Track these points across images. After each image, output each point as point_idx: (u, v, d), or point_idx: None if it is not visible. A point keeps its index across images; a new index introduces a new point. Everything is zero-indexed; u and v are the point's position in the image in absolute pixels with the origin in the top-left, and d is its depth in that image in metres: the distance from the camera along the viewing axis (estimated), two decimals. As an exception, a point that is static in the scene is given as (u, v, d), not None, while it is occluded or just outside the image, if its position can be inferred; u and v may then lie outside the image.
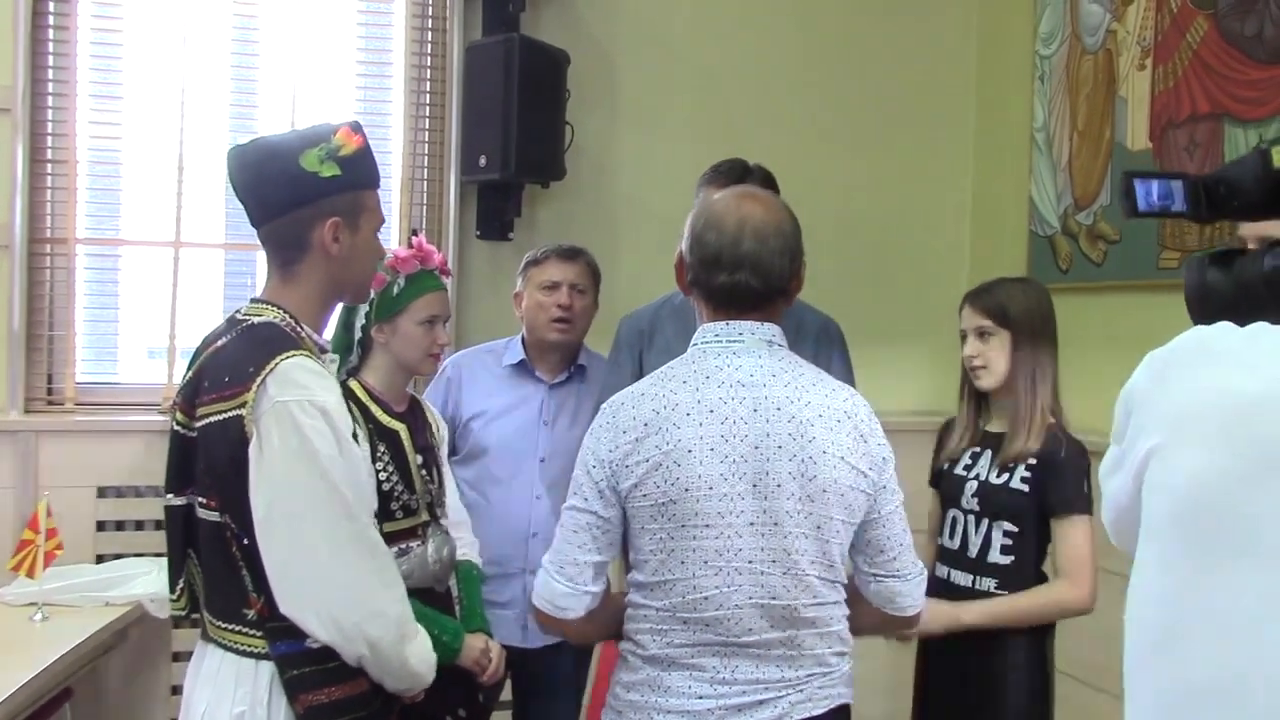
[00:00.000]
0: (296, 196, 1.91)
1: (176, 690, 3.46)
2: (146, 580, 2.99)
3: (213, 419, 1.85)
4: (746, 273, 1.92)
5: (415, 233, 2.60)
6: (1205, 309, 1.44)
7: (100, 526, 3.57)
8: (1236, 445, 1.29)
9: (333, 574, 1.82)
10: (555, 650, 2.88)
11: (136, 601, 2.93)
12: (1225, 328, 1.38)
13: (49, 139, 3.66)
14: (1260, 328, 1.34)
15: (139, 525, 3.60)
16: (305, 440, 1.80)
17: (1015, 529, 2.46)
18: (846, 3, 4.30)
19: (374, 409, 2.43)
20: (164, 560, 3.08)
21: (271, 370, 1.81)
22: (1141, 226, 3.45)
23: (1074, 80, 3.81)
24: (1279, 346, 1.31)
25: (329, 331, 2.14)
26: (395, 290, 2.44)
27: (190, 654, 3.54)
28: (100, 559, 3.44)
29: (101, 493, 3.58)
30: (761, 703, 1.90)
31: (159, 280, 3.78)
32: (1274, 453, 1.26)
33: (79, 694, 2.84)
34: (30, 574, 2.77)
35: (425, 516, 2.44)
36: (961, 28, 4.41)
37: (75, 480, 3.54)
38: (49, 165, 3.66)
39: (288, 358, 1.83)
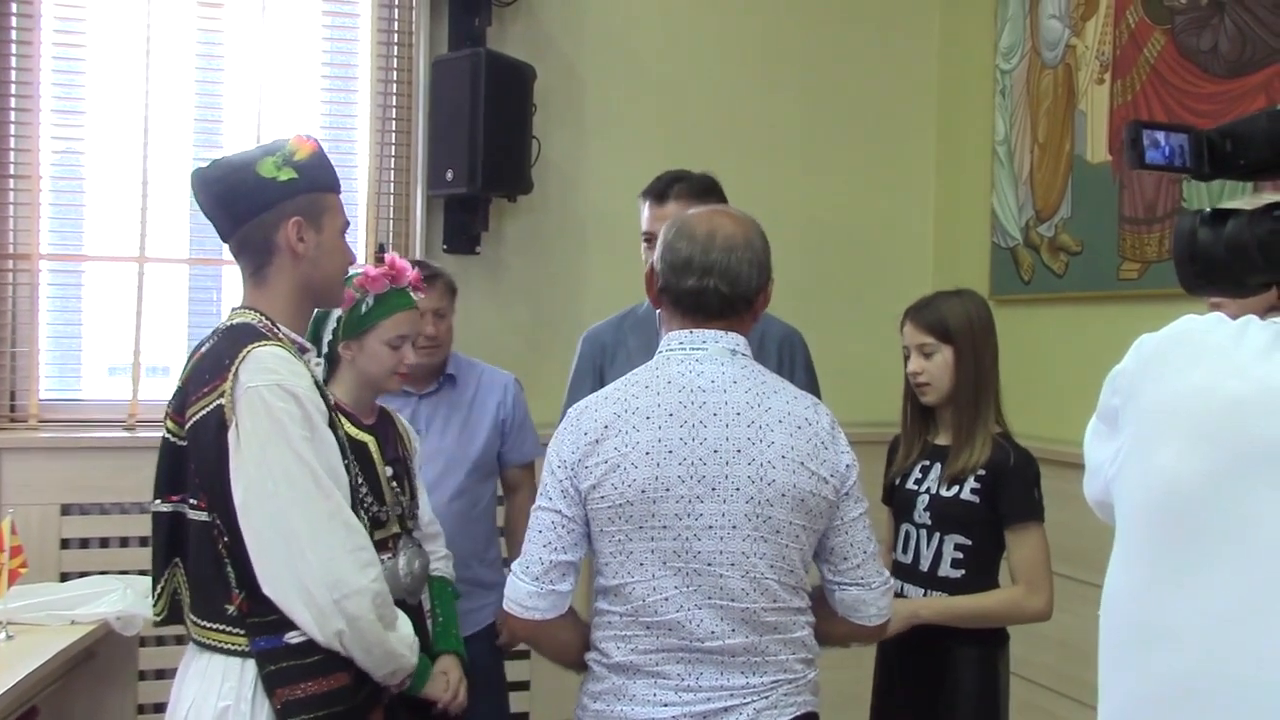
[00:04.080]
0: (258, 203, 2.00)
1: (143, 709, 3.46)
2: (112, 598, 2.97)
3: (198, 416, 1.92)
4: (715, 278, 1.96)
5: (382, 248, 2.61)
6: (1194, 268, 1.41)
7: (65, 544, 3.54)
8: (1216, 446, 1.28)
9: (309, 551, 1.86)
10: (469, 643, 2.82)
11: (103, 620, 2.91)
12: (1216, 321, 1.36)
13: (11, 154, 3.63)
14: (1248, 323, 1.32)
15: (104, 543, 3.57)
16: (276, 422, 1.87)
17: (967, 541, 2.47)
18: (809, 17, 4.34)
19: (341, 422, 2.42)
20: (130, 578, 3.12)
21: (243, 359, 1.89)
22: (1101, 238, 3.50)
23: (1034, 94, 3.86)
24: (1266, 346, 1.29)
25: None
26: (364, 309, 2.44)
27: (156, 672, 3.55)
28: (65, 577, 3.41)
29: (66, 510, 3.55)
30: (727, 709, 1.91)
31: (123, 296, 3.76)
32: (1252, 455, 1.25)
33: (45, 713, 2.82)
34: (-6, 593, 2.74)
35: (396, 529, 2.43)
36: (923, 42, 4.46)
37: (39, 498, 3.51)
38: (11, 180, 3.64)
39: (259, 346, 1.91)
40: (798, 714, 1.96)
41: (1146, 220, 3.34)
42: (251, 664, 1.90)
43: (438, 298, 2.97)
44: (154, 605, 2.05)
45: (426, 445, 2.96)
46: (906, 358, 2.59)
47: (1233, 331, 1.33)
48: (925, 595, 2.50)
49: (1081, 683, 3.16)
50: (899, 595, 2.54)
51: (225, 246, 2.10)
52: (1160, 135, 1.40)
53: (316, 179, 2.06)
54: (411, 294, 2.51)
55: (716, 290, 1.96)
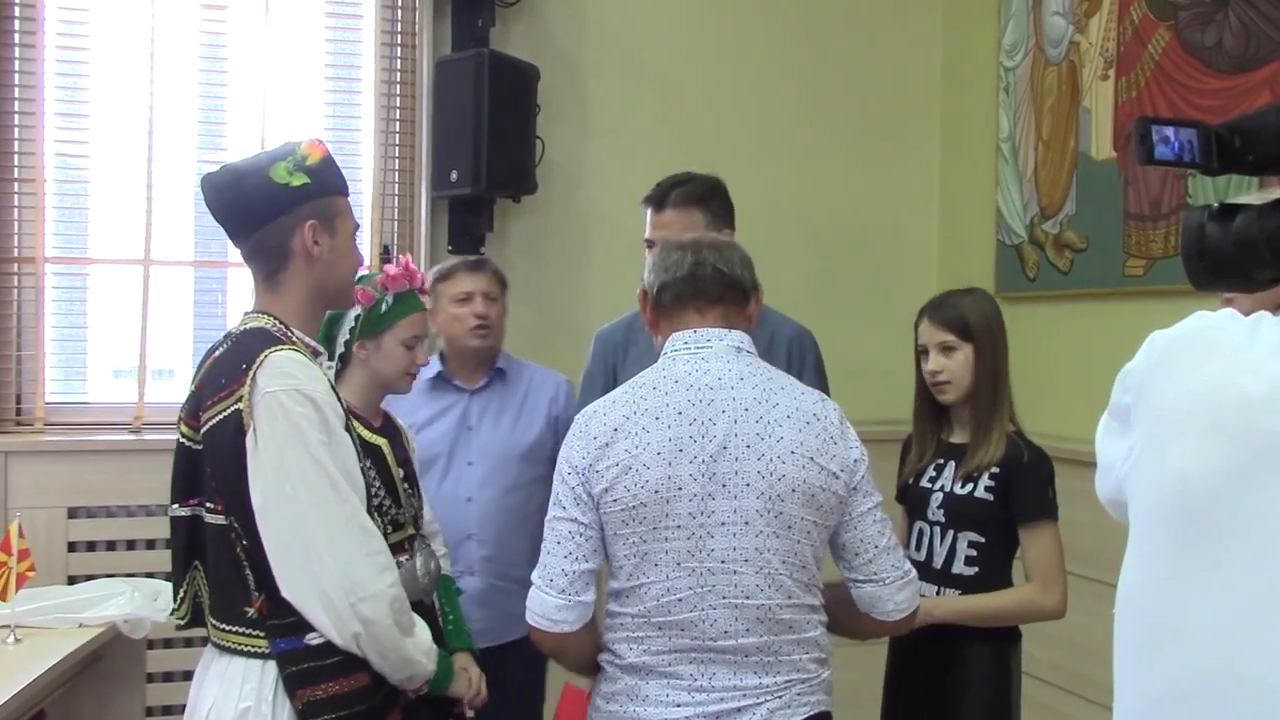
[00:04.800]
0: (273, 208, 2.01)
1: (151, 712, 3.45)
2: (120, 601, 2.96)
3: (214, 420, 1.92)
4: (711, 263, 2.03)
5: (386, 249, 2.63)
6: (1203, 264, 1.41)
7: (72, 547, 3.55)
8: (1231, 443, 1.27)
9: (326, 555, 1.87)
10: (505, 650, 2.85)
11: (110, 623, 2.91)
12: (1228, 317, 1.36)
13: (15, 157, 3.63)
14: (1261, 319, 1.32)
15: (110, 546, 3.58)
16: (295, 427, 1.87)
17: (981, 539, 2.47)
18: (812, 16, 4.33)
19: (354, 424, 2.43)
20: (137, 581, 3.12)
21: (261, 364, 1.89)
22: (1106, 235, 3.49)
23: (1038, 91, 3.85)
24: (1279, 343, 1.29)
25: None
26: (383, 308, 2.47)
27: (164, 675, 3.55)
28: (72, 580, 3.42)
29: (72, 513, 3.55)
30: (740, 709, 1.92)
31: (128, 298, 3.76)
32: (1266, 452, 1.24)
33: (53, 716, 2.81)
34: (2, 596, 2.74)
35: (411, 530, 2.44)
36: (926, 40, 4.45)
37: (46, 501, 3.51)
38: (16, 184, 3.64)
39: (276, 351, 1.91)
40: (811, 713, 1.96)
41: (1152, 216, 3.33)
42: (272, 665, 1.91)
43: (487, 281, 3.04)
44: (177, 609, 2.05)
45: (477, 441, 3.00)
46: (921, 356, 2.59)
47: (1245, 328, 1.32)
48: (938, 593, 2.49)
49: (1091, 681, 3.15)
50: None
51: (230, 249, 2.11)
52: (1169, 131, 1.40)
53: (328, 183, 2.07)
54: (420, 298, 2.53)
55: (714, 268, 2.02)
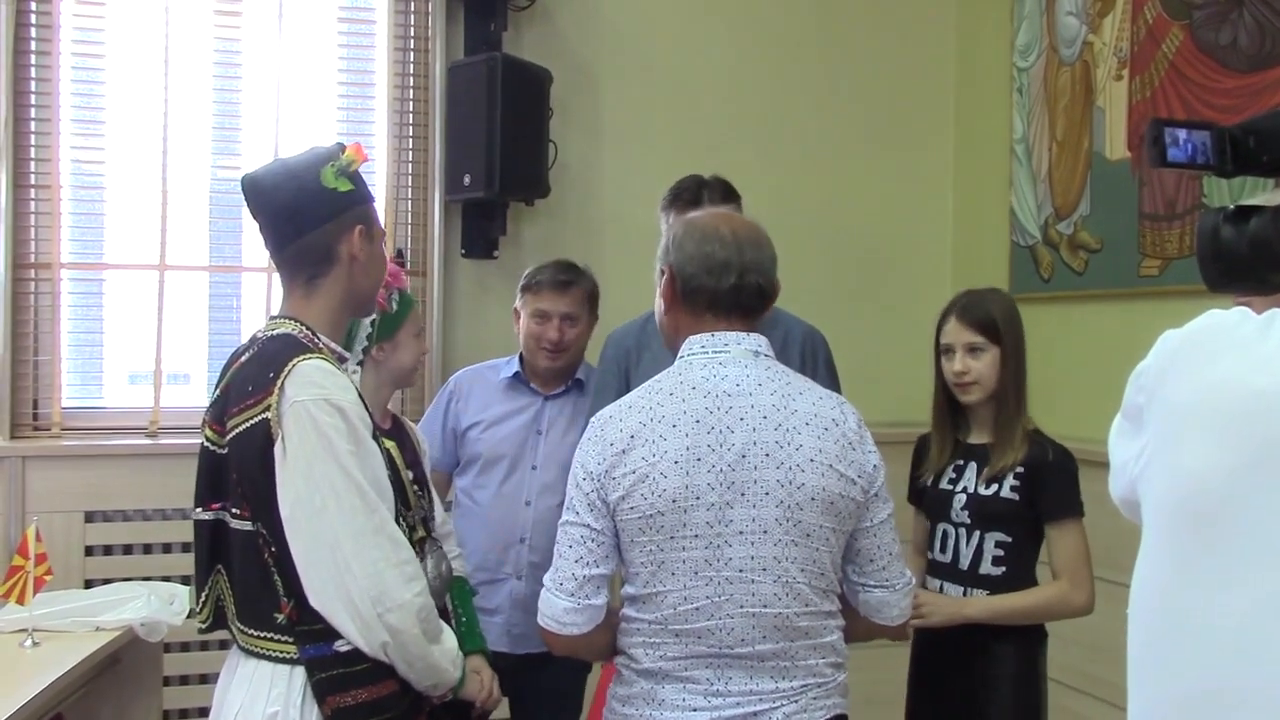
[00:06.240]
0: (326, 212, 1.99)
1: (168, 715, 3.47)
2: (137, 605, 2.98)
3: (241, 428, 1.91)
4: (755, 275, 1.99)
5: (400, 253, 2.64)
6: (1218, 266, 1.41)
7: (89, 551, 3.57)
8: (1241, 441, 1.27)
9: (355, 565, 1.86)
10: (546, 659, 2.84)
11: (127, 626, 2.92)
12: (1240, 315, 1.35)
13: (32, 164, 3.65)
14: (1273, 317, 1.31)
15: (127, 549, 3.60)
16: (323, 437, 1.86)
17: (1008, 539, 2.47)
18: (825, 18, 4.33)
19: None
20: (153, 584, 3.13)
21: (289, 373, 1.87)
22: (1121, 235, 3.48)
23: (1052, 91, 3.84)
24: None
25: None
26: (394, 306, 2.51)
27: (180, 678, 3.56)
28: (89, 584, 3.43)
29: (89, 517, 3.57)
30: (756, 714, 1.91)
31: (144, 303, 3.77)
32: (1278, 450, 1.24)
33: (70, 720, 2.83)
34: (20, 600, 2.75)
35: (422, 532, 2.45)
36: (939, 41, 4.44)
37: (63, 505, 3.53)
38: (33, 191, 3.66)
39: (304, 360, 1.89)
40: (827, 717, 1.96)
41: (1167, 216, 3.32)
42: (300, 671, 1.90)
43: (569, 303, 3.02)
44: (199, 613, 2.04)
45: (545, 447, 3.01)
46: (942, 355, 2.57)
47: (1258, 325, 1.32)
48: (966, 594, 2.49)
49: (1106, 683, 3.14)
50: (938, 592, 2.55)
51: (246, 254, 2.10)
52: (1181, 133, 1.40)
53: (365, 190, 2.07)
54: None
55: (756, 285, 1.99)
